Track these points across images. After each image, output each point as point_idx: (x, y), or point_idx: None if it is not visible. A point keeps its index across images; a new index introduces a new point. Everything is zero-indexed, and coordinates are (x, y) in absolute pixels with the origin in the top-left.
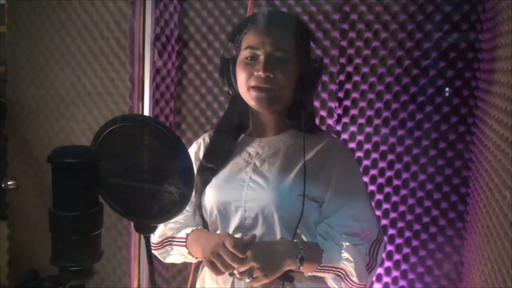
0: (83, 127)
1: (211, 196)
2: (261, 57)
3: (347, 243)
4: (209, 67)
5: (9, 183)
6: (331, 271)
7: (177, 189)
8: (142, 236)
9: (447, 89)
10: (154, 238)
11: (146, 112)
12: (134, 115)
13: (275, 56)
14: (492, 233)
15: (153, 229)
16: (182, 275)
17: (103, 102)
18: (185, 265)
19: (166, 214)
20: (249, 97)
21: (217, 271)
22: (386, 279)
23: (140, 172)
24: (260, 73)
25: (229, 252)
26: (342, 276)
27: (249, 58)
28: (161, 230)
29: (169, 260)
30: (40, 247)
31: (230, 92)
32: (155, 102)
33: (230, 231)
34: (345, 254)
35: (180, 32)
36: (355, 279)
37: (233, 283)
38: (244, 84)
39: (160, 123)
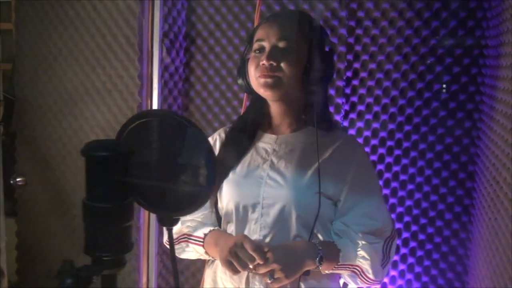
0: (91, 124)
1: (228, 192)
2: (267, 48)
3: (363, 242)
4: (216, 64)
5: (17, 179)
6: (348, 269)
7: (201, 181)
8: (155, 230)
9: (444, 86)
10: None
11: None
12: (156, 110)
13: (279, 45)
14: (501, 226)
15: (175, 221)
16: (189, 270)
17: (112, 99)
18: (193, 260)
19: (190, 206)
20: (257, 85)
21: (234, 271)
22: (393, 272)
23: (163, 165)
24: (264, 62)
25: (248, 254)
26: (358, 273)
27: (257, 51)
28: (178, 227)
29: (183, 256)
30: (48, 243)
31: (247, 91)
32: (163, 99)
33: (246, 227)
34: (361, 252)
35: (187, 29)
36: (371, 276)
37: (247, 279)
38: (253, 75)
39: (182, 117)
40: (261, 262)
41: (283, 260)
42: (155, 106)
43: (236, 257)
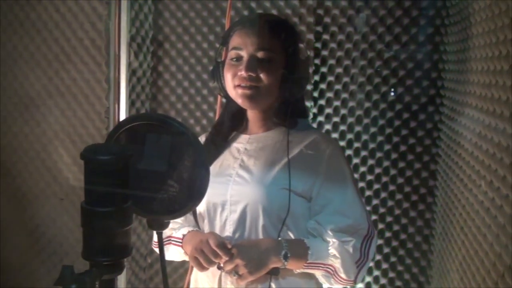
0: (55, 129)
1: None
2: (244, 57)
3: (334, 240)
4: (185, 68)
5: None
6: (320, 268)
7: (192, 185)
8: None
9: (391, 91)
10: (155, 236)
11: (123, 113)
12: (148, 114)
13: (258, 56)
14: (466, 221)
15: (166, 225)
16: (159, 277)
17: (77, 103)
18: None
19: (180, 210)
20: (235, 95)
21: (200, 267)
22: None
23: (154, 169)
24: (243, 72)
25: (211, 249)
26: (332, 273)
27: (234, 59)
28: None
29: (168, 257)
30: (10, 254)
31: (221, 94)
32: (131, 103)
33: (217, 225)
34: (332, 251)
35: (155, 33)
36: (342, 275)
37: (220, 278)
38: (231, 83)
39: (174, 120)
40: (225, 258)
41: (247, 256)
42: (122, 110)
43: (202, 253)
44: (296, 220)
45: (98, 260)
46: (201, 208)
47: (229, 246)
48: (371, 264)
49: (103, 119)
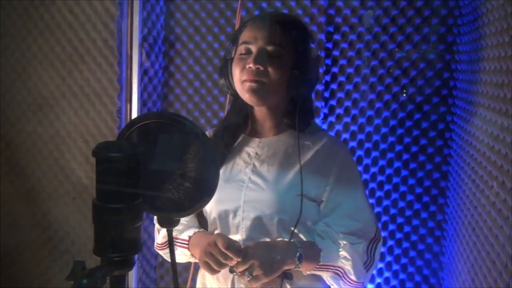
0: (68, 129)
1: None
2: (254, 51)
3: (345, 242)
4: (196, 68)
5: None
6: (330, 270)
7: (202, 183)
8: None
9: (404, 90)
10: (159, 238)
11: (134, 113)
12: (158, 112)
13: (267, 50)
14: (478, 222)
15: (176, 222)
16: (170, 275)
17: (90, 103)
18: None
19: (191, 208)
20: (242, 90)
21: (211, 270)
22: None
23: (165, 167)
24: (251, 65)
25: (220, 251)
26: (341, 275)
27: (243, 53)
28: (165, 231)
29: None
30: (22, 252)
31: (229, 92)
32: (142, 103)
33: (228, 231)
34: (342, 253)
35: (166, 33)
36: (353, 277)
37: (233, 281)
38: (238, 78)
39: (185, 119)
40: (236, 259)
41: (262, 256)
42: (134, 110)
43: (211, 256)
44: (307, 224)
45: (108, 256)
46: (212, 213)
47: (241, 247)
48: (382, 265)
49: (115, 118)
